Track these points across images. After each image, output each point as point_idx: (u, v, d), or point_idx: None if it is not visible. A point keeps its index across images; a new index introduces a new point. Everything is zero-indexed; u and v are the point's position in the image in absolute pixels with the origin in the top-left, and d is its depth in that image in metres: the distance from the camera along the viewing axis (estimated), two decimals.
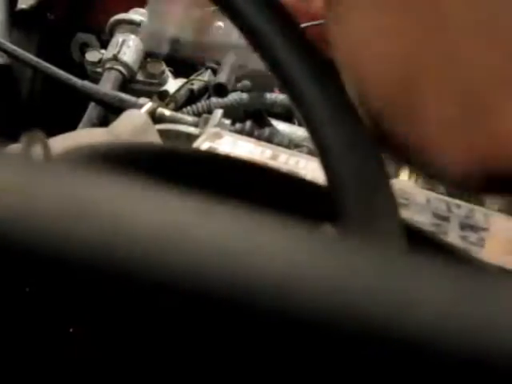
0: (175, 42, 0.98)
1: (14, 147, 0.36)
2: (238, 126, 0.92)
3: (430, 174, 0.33)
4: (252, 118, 0.95)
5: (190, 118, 0.90)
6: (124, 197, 0.20)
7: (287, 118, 0.98)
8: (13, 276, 0.19)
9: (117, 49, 1.03)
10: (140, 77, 1.05)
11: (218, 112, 0.88)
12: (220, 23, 1.14)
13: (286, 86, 0.33)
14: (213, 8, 1.04)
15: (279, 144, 0.88)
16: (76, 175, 0.21)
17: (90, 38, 1.10)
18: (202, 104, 0.96)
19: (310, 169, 0.77)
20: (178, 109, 0.97)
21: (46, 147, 0.32)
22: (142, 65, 1.06)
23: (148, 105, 0.89)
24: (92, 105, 0.98)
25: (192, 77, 1.03)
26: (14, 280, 0.20)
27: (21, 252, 0.19)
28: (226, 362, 0.20)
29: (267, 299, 0.19)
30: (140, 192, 0.21)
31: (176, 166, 0.43)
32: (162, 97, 1.00)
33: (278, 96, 1.00)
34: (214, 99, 0.97)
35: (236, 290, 0.19)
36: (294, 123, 0.98)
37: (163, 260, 0.19)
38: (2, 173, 0.20)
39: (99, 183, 0.20)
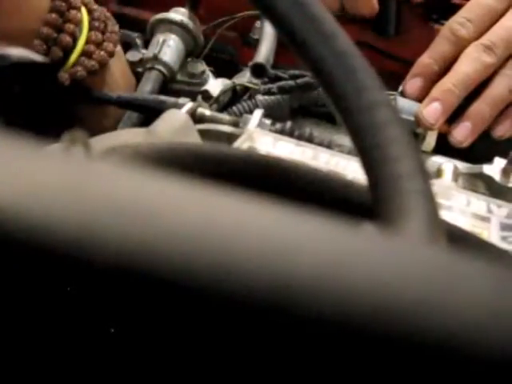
0: None
1: (55, 147, 0.36)
2: (278, 125, 0.92)
3: None
4: (293, 118, 0.95)
5: (230, 118, 0.90)
6: (167, 195, 0.20)
7: (330, 117, 0.97)
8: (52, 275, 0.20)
9: (157, 48, 1.03)
10: (180, 77, 1.06)
11: (259, 112, 0.88)
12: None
13: (328, 91, 0.33)
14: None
15: (320, 144, 0.88)
16: (120, 174, 0.21)
17: (132, 38, 1.10)
18: (245, 104, 0.96)
19: (351, 169, 0.77)
20: (221, 109, 0.97)
21: (87, 147, 0.33)
22: (183, 65, 1.06)
23: (188, 105, 0.89)
24: None
25: (234, 78, 1.03)
26: (53, 279, 0.20)
27: (66, 251, 0.19)
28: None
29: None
30: (182, 190, 0.21)
31: (217, 166, 0.43)
32: (206, 97, 1.00)
33: (320, 93, 0.99)
34: (258, 97, 0.97)
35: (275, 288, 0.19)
36: (336, 123, 0.97)
37: (203, 263, 0.19)
38: (47, 171, 0.20)
39: (142, 182, 0.21)
